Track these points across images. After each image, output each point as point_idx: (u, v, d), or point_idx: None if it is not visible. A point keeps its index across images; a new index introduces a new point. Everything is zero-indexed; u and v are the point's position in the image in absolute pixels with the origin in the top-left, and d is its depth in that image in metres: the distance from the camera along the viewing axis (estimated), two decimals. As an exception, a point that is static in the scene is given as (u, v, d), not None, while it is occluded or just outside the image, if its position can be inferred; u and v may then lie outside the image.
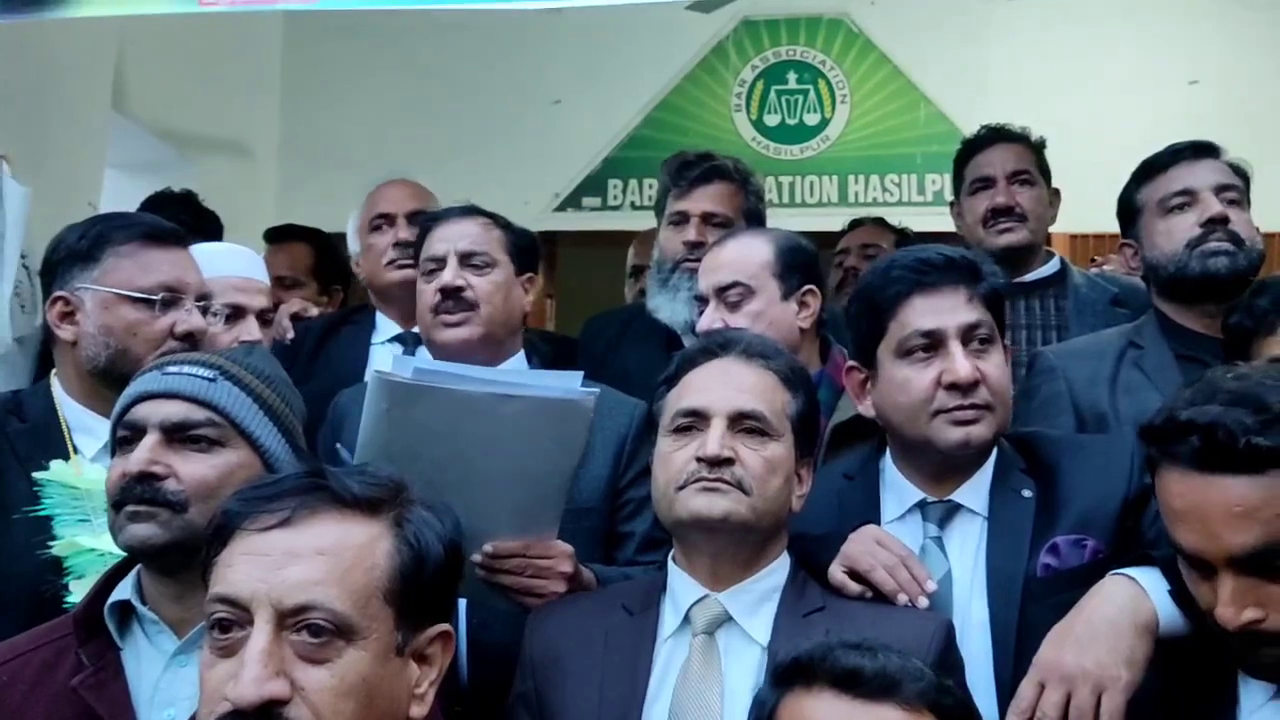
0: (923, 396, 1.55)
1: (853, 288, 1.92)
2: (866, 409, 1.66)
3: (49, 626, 1.37)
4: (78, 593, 1.50)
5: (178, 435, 1.33)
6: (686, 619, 1.45)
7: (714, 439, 1.42)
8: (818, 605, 1.45)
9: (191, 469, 1.31)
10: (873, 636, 1.20)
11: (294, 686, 0.99)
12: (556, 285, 4.83)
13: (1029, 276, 2.54)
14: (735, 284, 2.01)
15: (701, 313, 2.06)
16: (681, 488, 1.43)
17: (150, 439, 1.32)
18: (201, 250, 1.93)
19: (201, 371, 1.36)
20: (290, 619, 1.00)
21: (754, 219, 2.44)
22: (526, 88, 4.65)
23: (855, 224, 3.47)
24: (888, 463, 1.65)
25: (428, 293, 1.97)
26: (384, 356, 2.35)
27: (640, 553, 1.80)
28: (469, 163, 4.34)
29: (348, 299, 3.06)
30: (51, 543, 1.56)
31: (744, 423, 1.44)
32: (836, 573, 1.49)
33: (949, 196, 2.80)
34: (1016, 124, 2.67)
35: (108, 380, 1.65)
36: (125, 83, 3.36)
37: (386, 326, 2.45)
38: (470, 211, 2.03)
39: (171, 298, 1.74)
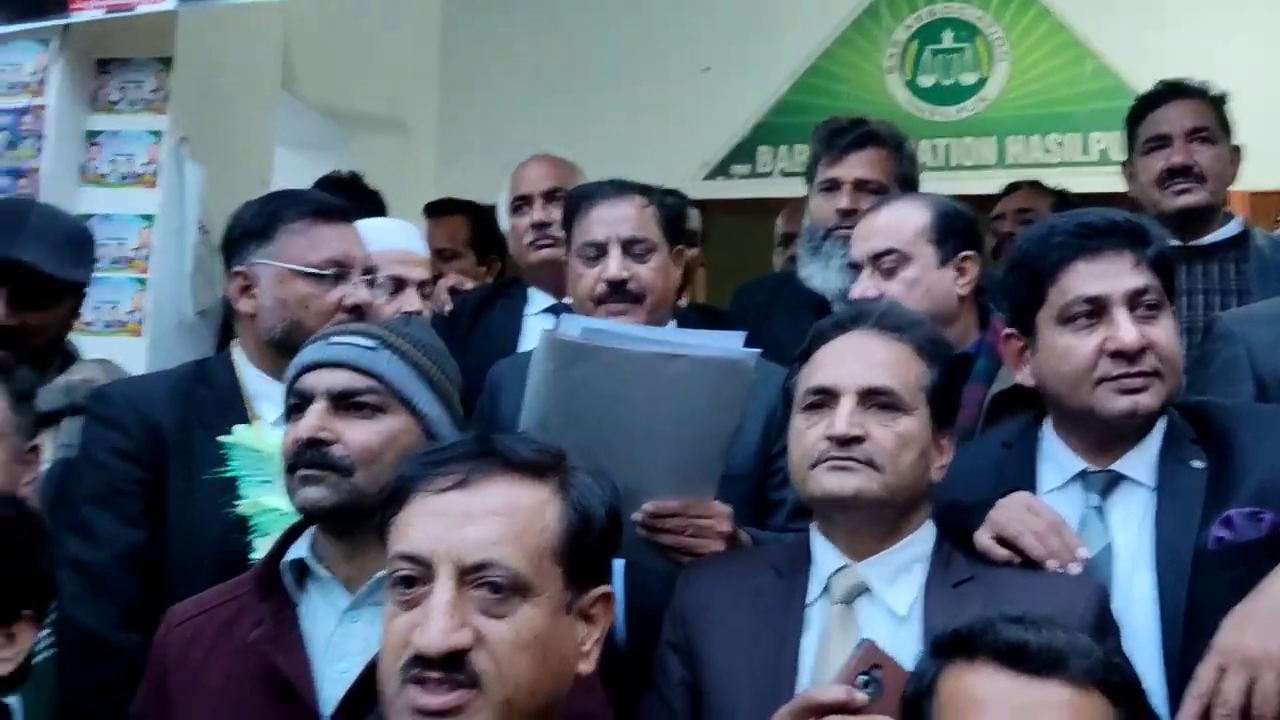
0: (1085, 364, 1.50)
1: (1009, 253, 1.86)
2: (1025, 377, 1.61)
3: (232, 583, 1.45)
4: (261, 550, 1.58)
5: (343, 402, 1.39)
6: (827, 587, 1.45)
7: (842, 418, 1.42)
8: (966, 575, 1.43)
9: (356, 434, 1.37)
10: (1025, 604, 1.17)
11: (477, 638, 1.03)
12: (705, 254, 4.83)
13: (1207, 239, 2.40)
14: (890, 250, 1.97)
15: (855, 280, 2.03)
16: (813, 466, 1.43)
17: (318, 406, 1.38)
18: (365, 225, 2.01)
19: (364, 341, 1.41)
20: (470, 575, 1.04)
21: (907, 184, 2.39)
22: (676, 56, 4.64)
23: (1012, 188, 3.34)
24: (1047, 432, 1.61)
25: (589, 279, 1.95)
26: (537, 329, 2.40)
27: (791, 520, 1.79)
28: (619, 133, 4.36)
29: (505, 270, 3.13)
30: (237, 503, 1.65)
31: (874, 399, 1.43)
32: (984, 538, 1.46)
33: (1115, 156, 2.67)
34: (1193, 77, 2.52)
35: (284, 350, 1.73)
36: (291, 62, 3.51)
37: (538, 299, 2.50)
38: (625, 190, 2.00)
39: (340, 272, 1.82)
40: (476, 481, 1.08)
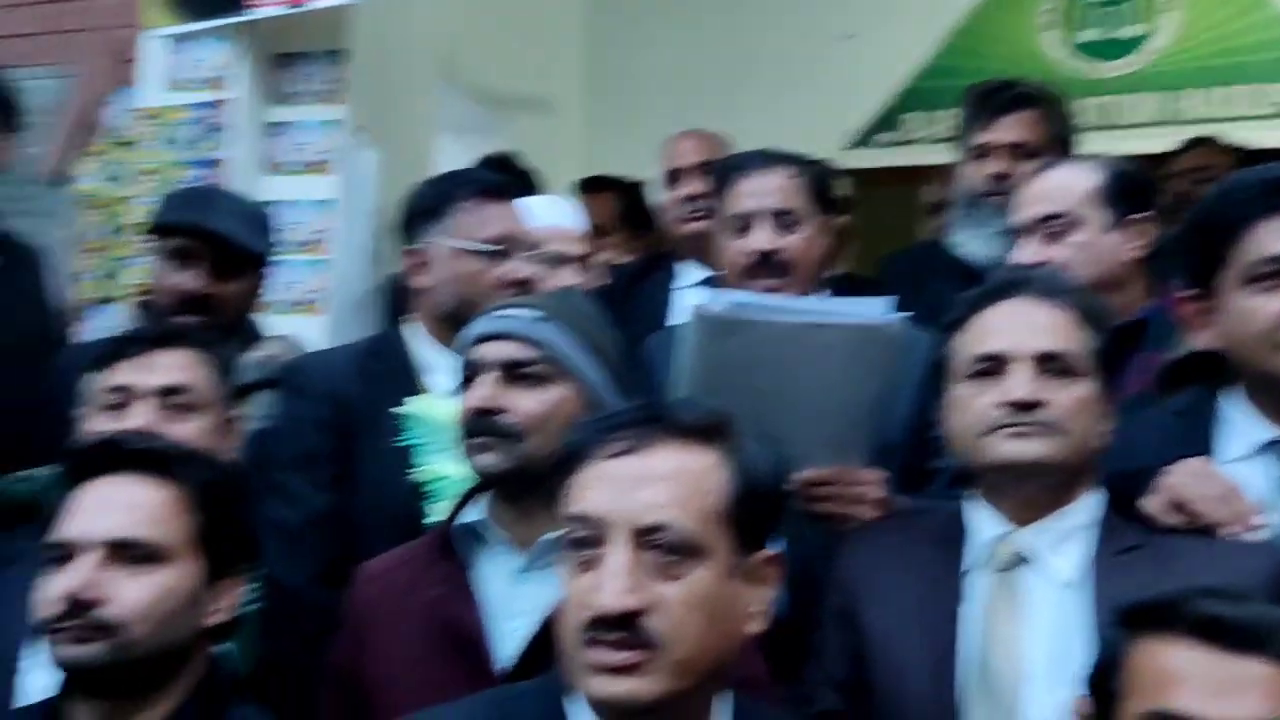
0: (1270, 326, 1.45)
1: (1189, 212, 1.79)
2: (1203, 341, 1.56)
3: (414, 544, 1.54)
4: (437, 513, 1.68)
5: (512, 372, 1.45)
6: (988, 555, 1.45)
7: (1021, 383, 1.40)
8: (1136, 542, 1.41)
9: (525, 403, 1.44)
10: (1198, 571, 1.15)
11: (652, 600, 1.06)
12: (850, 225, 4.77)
13: None
14: (1058, 214, 1.92)
15: (1015, 245, 1.99)
16: (986, 433, 1.41)
17: (488, 377, 1.46)
18: (526, 203, 2.10)
19: (531, 314, 1.48)
20: (644, 537, 1.07)
21: (1064, 146, 2.33)
22: (819, 24, 4.58)
23: (1192, 144, 3.18)
24: (1230, 400, 1.55)
25: (737, 251, 1.96)
26: (688, 302, 2.45)
27: (949, 489, 1.79)
28: (763, 103, 4.34)
29: (657, 244, 3.18)
30: (413, 469, 1.75)
31: (1049, 364, 1.41)
32: (1154, 503, 1.44)
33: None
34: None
35: (455, 324, 1.80)
36: (447, 49, 3.63)
37: (690, 272, 2.55)
38: (773, 160, 2.00)
39: (505, 249, 1.90)
40: (646, 446, 1.11)
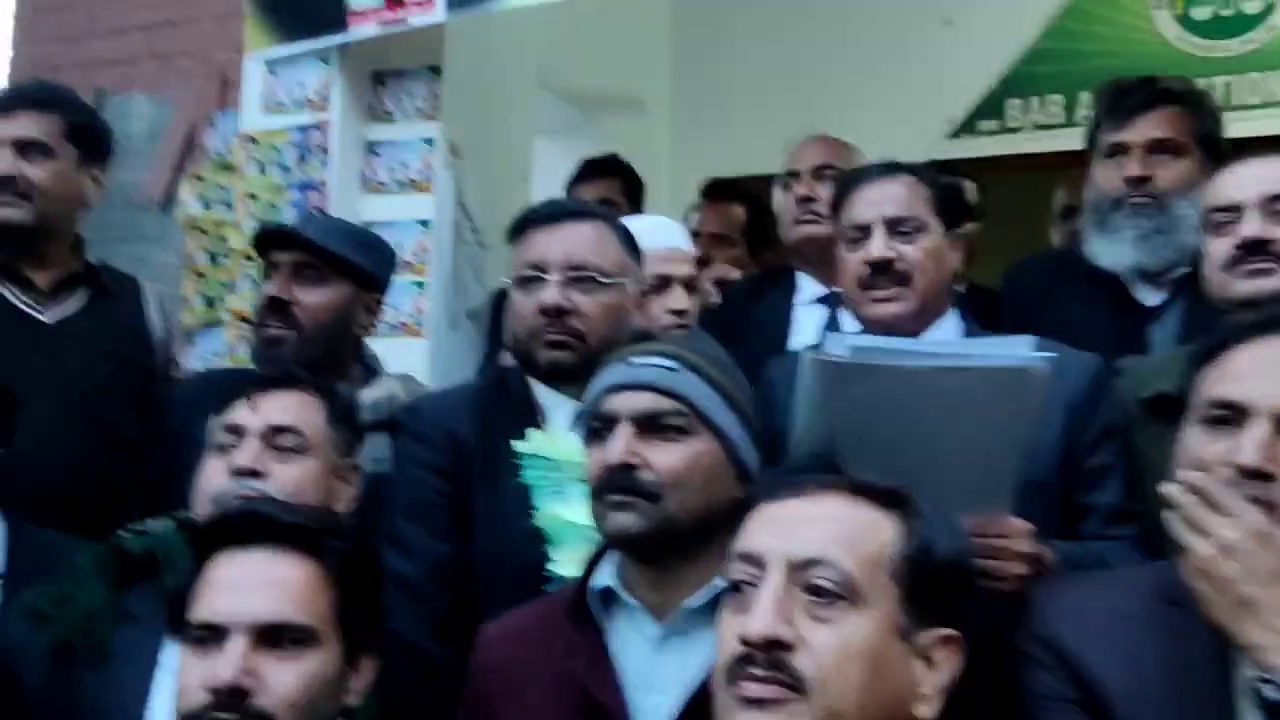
0: None
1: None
2: None
3: (542, 604, 1.47)
4: (559, 561, 1.61)
5: (648, 425, 1.37)
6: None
7: (1251, 447, 1.20)
8: None
9: (663, 458, 1.35)
10: None
11: (799, 639, 1.04)
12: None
13: None
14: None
15: (1206, 250, 1.82)
16: None
17: (624, 430, 1.37)
18: (629, 223, 2.00)
19: (666, 362, 1.39)
20: (800, 573, 1.06)
21: (1211, 144, 2.17)
22: (914, 10, 4.43)
23: None
24: None
25: (853, 263, 1.86)
26: (808, 318, 2.36)
27: (1106, 526, 1.67)
28: (856, 95, 4.20)
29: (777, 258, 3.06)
30: (533, 512, 1.67)
31: None
32: None
33: None
34: None
35: (525, 364, 1.73)
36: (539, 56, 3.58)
37: (808, 287, 2.44)
38: (893, 170, 1.89)
39: (535, 274, 1.74)
40: (816, 493, 1.12)
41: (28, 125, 2.16)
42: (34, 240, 2.18)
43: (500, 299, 2.88)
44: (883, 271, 1.81)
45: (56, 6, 3.40)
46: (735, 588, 1.10)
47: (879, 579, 1.07)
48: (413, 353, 2.63)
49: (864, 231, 1.85)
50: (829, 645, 1.03)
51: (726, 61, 4.64)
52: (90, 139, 2.26)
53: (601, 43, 4.18)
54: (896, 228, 1.83)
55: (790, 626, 1.04)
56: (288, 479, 1.58)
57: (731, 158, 4.13)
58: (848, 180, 1.97)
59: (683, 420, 1.37)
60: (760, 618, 1.04)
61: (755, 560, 1.08)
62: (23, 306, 2.18)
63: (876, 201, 1.86)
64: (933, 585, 1.09)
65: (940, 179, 1.96)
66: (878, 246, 1.82)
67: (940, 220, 1.87)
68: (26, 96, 2.21)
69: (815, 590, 1.05)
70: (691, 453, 1.36)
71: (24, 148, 2.15)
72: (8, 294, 2.18)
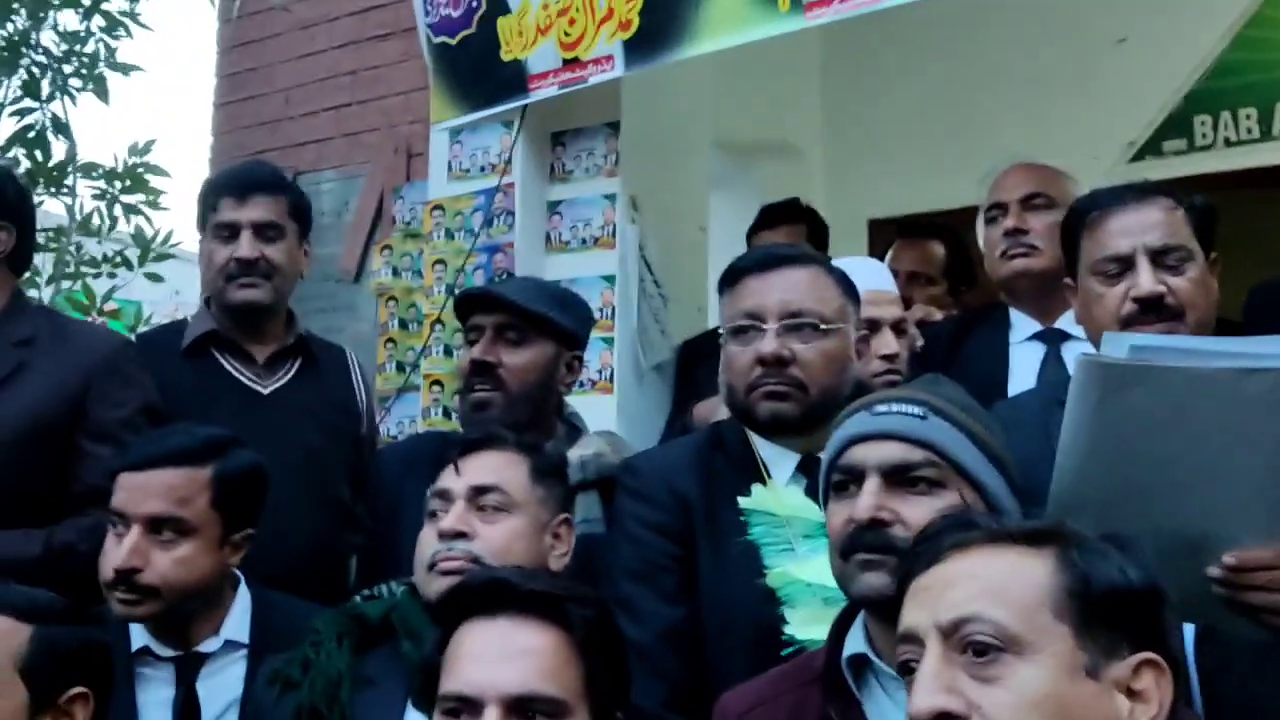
0: None
1: None
2: None
3: (784, 672, 1.40)
4: (794, 624, 1.54)
5: (897, 478, 1.30)
6: None
7: None
8: None
9: (915, 513, 1.27)
10: None
11: (970, 705, 0.98)
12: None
13: None
14: None
15: None
16: None
17: (871, 484, 1.30)
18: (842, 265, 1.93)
19: (913, 409, 1.32)
20: (954, 637, 1.01)
21: None
22: (1085, 30, 4.26)
23: None
24: None
25: (1112, 300, 1.69)
26: (1025, 357, 2.22)
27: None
28: (1028, 120, 4.06)
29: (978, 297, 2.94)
30: (764, 570, 1.60)
31: None
32: None
33: None
34: None
35: (741, 416, 1.68)
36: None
37: (1022, 324, 2.29)
38: (1147, 192, 1.74)
39: (749, 324, 1.71)
40: (955, 553, 1.07)
41: (264, 209, 2.27)
42: (266, 317, 2.28)
43: (686, 352, 2.87)
44: (1154, 309, 1.66)
45: (255, 95, 3.59)
46: (906, 669, 1.05)
47: (1041, 621, 1.00)
48: (602, 408, 2.61)
49: (1123, 263, 1.70)
50: (1003, 704, 0.97)
51: (879, 101, 4.55)
52: (306, 216, 2.36)
53: (757, 91, 4.16)
54: (1162, 258, 1.69)
55: (956, 695, 0.98)
56: (494, 538, 1.58)
57: (888, 198, 4.04)
58: (1087, 208, 1.80)
59: (935, 471, 1.30)
60: (919, 697, 0.99)
61: (912, 638, 1.04)
62: (244, 380, 2.27)
63: (1135, 230, 1.70)
64: (1109, 614, 1.01)
65: (1195, 198, 1.78)
66: (1147, 280, 1.67)
67: (1201, 245, 1.72)
68: (258, 181, 2.31)
69: (973, 649, 1.00)
70: (946, 506, 1.27)
71: (261, 229, 2.25)
72: (229, 367, 2.28)
